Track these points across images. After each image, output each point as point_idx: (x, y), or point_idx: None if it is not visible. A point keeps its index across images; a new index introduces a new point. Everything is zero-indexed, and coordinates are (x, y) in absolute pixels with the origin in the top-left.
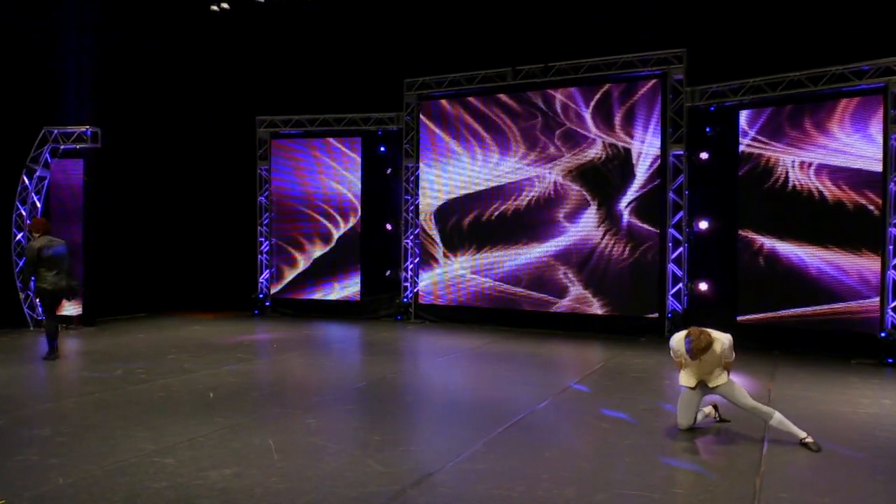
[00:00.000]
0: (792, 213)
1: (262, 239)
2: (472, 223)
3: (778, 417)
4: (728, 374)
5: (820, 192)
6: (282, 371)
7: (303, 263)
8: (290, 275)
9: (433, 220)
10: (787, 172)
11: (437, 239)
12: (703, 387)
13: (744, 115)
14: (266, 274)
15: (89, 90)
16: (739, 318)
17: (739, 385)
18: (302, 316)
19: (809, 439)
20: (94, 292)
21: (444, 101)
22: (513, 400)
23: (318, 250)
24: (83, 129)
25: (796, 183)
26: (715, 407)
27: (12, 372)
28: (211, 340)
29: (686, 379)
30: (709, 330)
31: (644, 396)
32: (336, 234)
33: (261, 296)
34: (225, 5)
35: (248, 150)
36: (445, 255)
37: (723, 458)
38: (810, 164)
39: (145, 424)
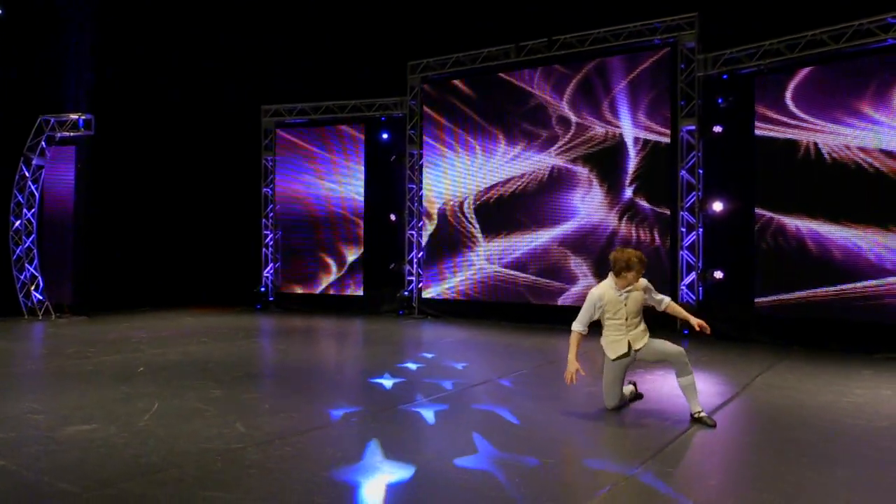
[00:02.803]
0: (814, 188)
1: (267, 232)
2: (476, 211)
3: (691, 380)
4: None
5: (851, 165)
6: (231, 353)
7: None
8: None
9: (438, 210)
10: (808, 143)
11: (442, 229)
12: (630, 354)
13: (760, 82)
14: (270, 267)
15: (86, 78)
16: (757, 301)
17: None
18: (304, 311)
19: (703, 414)
20: (88, 283)
21: (447, 84)
22: (431, 387)
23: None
24: (77, 116)
25: (820, 154)
26: (634, 384)
27: None
28: (188, 330)
29: (615, 348)
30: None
31: (584, 388)
32: (343, 230)
33: (263, 289)
34: None
35: (252, 139)
36: (450, 246)
37: (629, 439)
38: (835, 133)
39: (48, 391)
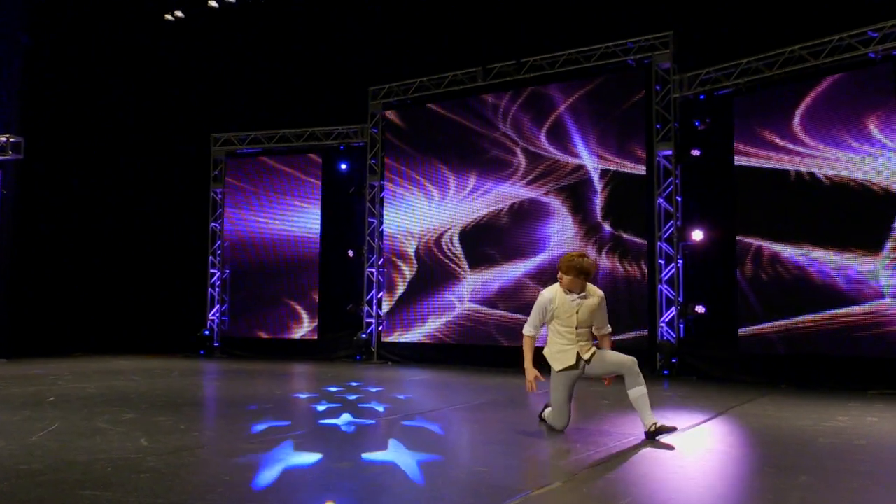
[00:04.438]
0: (799, 211)
1: (215, 270)
2: (445, 247)
3: (643, 391)
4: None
5: (838, 186)
6: (158, 387)
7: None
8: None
9: (400, 245)
10: (792, 164)
11: (404, 266)
12: (579, 366)
13: (738, 102)
14: (216, 309)
15: (17, 99)
16: (741, 331)
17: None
18: (252, 357)
19: (659, 424)
20: (11, 323)
21: (410, 110)
22: (362, 412)
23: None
24: (5, 138)
25: (806, 176)
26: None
27: None
28: (116, 370)
29: (562, 358)
30: None
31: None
32: (297, 268)
33: (207, 333)
34: (179, 13)
35: (200, 169)
36: (413, 285)
37: (574, 451)
38: (819, 154)
39: None
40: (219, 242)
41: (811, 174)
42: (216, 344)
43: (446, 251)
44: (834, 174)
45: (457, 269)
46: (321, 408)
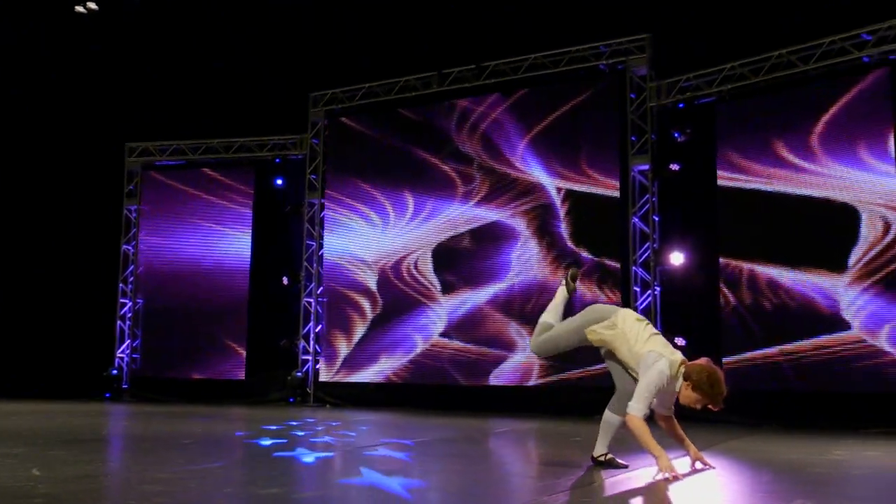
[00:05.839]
0: (787, 231)
1: (125, 300)
2: (391, 273)
3: (617, 420)
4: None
5: (823, 204)
6: (53, 424)
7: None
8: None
9: (342, 271)
10: (781, 180)
11: (351, 294)
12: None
13: (721, 111)
14: (126, 345)
15: None
16: (725, 361)
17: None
18: (168, 400)
19: (609, 456)
20: None
21: (356, 119)
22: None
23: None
24: None
25: (792, 192)
26: None
27: None
28: (3, 411)
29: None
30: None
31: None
32: (223, 297)
33: (115, 372)
34: (93, 5)
35: (112, 184)
36: (356, 317)
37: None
38: (807, 168)
39: None
40: (131, 267)
41: (801, 191)
42: (125, 385)
43: (397, 279)
44: (823, 192)
45: (414, 297)
46: None
